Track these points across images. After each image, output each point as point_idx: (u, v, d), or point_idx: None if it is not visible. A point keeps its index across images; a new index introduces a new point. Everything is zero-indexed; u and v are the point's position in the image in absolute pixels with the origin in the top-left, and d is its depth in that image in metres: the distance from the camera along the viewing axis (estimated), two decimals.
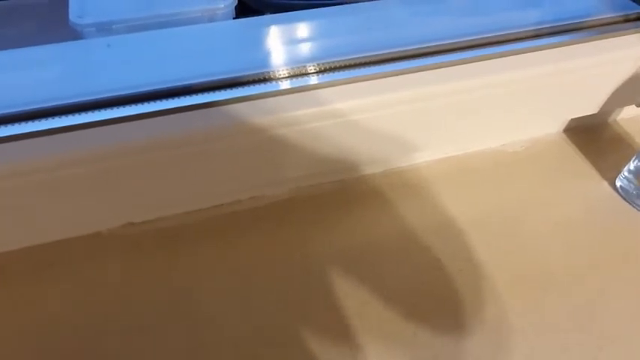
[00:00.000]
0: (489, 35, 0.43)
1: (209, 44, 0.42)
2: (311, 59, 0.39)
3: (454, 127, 0.44)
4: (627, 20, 0.44)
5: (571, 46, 0.43)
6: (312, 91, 0.38)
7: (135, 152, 0.35)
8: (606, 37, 0.43)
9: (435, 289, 0.39)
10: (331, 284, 0.39)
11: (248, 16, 0.47)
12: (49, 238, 0.41)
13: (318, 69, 0.39)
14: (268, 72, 0.38)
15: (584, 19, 0.44)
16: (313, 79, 0.38)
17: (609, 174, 0.47)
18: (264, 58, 0.41)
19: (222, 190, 0.43)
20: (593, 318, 0.38)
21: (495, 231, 0.43)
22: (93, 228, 0.42)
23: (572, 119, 0.50)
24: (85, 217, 0.40)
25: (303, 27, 0.45)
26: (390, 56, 0.40)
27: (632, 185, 0.45)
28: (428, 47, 0.41)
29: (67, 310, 0.37)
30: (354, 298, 0.38)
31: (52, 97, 0.36)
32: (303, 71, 0.39)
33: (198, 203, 0.43)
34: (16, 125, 0.34)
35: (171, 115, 0.36)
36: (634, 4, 0.45)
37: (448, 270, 0.40)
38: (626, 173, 0.45)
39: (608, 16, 0.44)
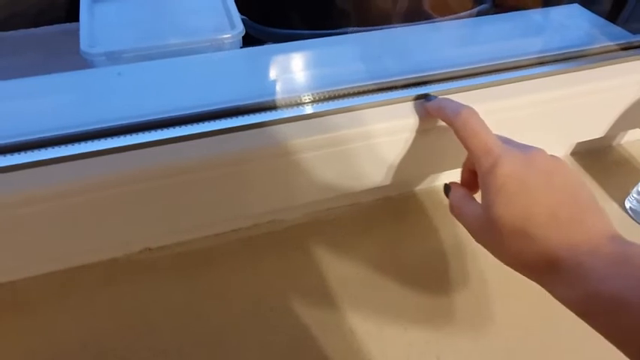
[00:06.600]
0: (497, 63, 0.44)
1: (220, 72, 0.42)
2: (322, 86, 0.40)
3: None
4: (629, 48, 0.46)
5: (577, 73, 0.44)
6: (325, 117, 0.38)
7: (151, 178, 0.35)
8: (610, 64, 0.45)
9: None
10: (349, 307, 0.39)
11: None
12: (66, 264, 0.40)
13: (329, 95, 0.39)
14: (280, 99, 0.38)
15: (587, 47, 0.46)
16: (324, 106, 0.38)
17: (618, 195, 0.48)
18: (274, 85, 0.41)
19: (239, 214, 0.42)
20: None
21: None
22: (110, 254, 0.41)
23: (578, 143, 0.51)
24: (101, 243, 0.39)
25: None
26: (391, 84, 0.40)
27: None
28: (430, 75, 0.41)
29: (84, 337, 0.36)
30: (373, 322, 0.38)
31: (67, 124, 0.35)
32: (314, 98, 0.39)
33: (215, 228, 0.43)
34: (29, 153, 0.34)
35: (187, 142, 0.35)
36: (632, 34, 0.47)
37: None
38: (635, 195, 0.46)
39: (610, 44, 0.46)
